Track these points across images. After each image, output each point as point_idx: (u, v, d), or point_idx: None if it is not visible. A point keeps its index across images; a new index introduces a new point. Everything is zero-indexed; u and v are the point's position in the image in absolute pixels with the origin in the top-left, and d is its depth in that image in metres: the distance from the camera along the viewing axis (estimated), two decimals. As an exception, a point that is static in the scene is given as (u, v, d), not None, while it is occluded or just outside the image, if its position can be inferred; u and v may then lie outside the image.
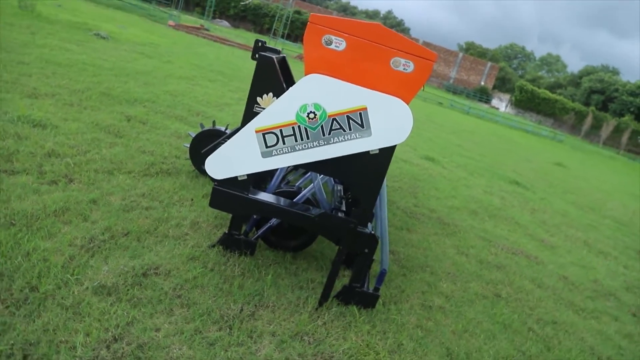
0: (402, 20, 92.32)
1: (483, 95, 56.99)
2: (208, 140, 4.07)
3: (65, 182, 3.27)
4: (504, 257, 4.62)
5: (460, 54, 62.36)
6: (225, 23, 41.93)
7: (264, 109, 3.52)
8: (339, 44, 2.36)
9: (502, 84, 68.64)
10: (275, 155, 2.42)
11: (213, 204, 2.62)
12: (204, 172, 4.17)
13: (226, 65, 13.16)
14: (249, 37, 31.95)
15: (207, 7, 31.47)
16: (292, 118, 2.37)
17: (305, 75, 2.43)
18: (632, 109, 54.39)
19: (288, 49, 30.07)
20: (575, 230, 6.76)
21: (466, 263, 4.16)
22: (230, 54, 17.88)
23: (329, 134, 2.39)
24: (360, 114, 2.37)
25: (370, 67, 2.40)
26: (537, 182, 10.08)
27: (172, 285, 2.52)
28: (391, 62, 2.38)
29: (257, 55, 3.98)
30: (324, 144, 2.41)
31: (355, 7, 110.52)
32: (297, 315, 2.59)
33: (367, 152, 2.43)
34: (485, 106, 49.86)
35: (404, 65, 2.39)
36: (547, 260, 4.92)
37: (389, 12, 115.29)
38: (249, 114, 3.50)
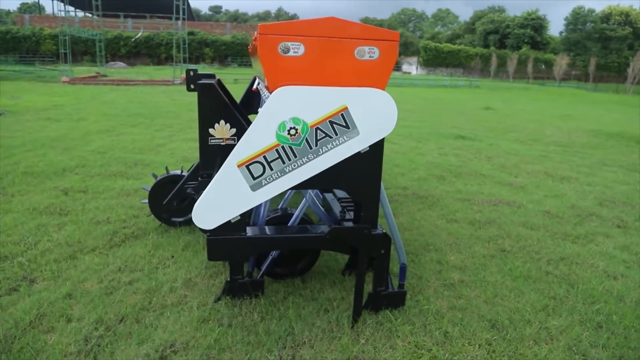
0: (295, 14, 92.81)
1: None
2: (167, 189, 3.76)
3: (27, 285, 2.84)
4: (488, 211, 4.68)
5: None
6: (121, 64, 39.99)
7: (221, 139, 3.30)
8: (296, 49, 2.18)
9: (407, 49, 71.18)
10: (265, 184, 2.21)
11: (212, 256, 2.36)
12: (172, 223, 3.84)
13: (141, 106, 12.47)
14: (150, 72, 30.70)
15: (97, 54, 29.73)
16: (272, 140, 2.17)
17: (271, 91, 2.23)
18: (526, 40, 58.51)
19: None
20: (531, 165, 7.05)
21: (460, 229, 4.15)
22: (139, 93, 17.02)
23: (316, 145, 2.21)
24: (342, 115, 2.21)
25: (335, 64, 2.24)
26: (478, 131, 10.46)
27: (197, 358, 2.24)
28: (355, 52, 2.24)
29: (192, 86, 3.73)
30: (314, 158, 2.23)
31: (245, 14, 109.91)
32: (337, 342, 2.40)
33: (359, 153, 2.28)
34: (398, 73, 51.51)
35: (369, 52, 2.25)
36: (524, 202, 5.05)
37: (280, 9, 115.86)
38: (206, 149, 3.25)
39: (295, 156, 2.20)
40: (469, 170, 6.46)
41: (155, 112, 11.22)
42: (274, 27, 2.15)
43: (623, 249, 3.84)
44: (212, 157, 3.35)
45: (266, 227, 2.61)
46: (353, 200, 2.46)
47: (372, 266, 2.67)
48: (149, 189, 3.81)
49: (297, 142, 2.19)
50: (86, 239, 3.55)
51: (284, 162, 2.20)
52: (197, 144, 7.63)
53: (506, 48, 58.67)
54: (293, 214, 2.88)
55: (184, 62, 28.94)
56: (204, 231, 2.35)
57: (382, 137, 2.29)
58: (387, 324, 2.58)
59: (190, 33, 44.35)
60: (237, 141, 3.31)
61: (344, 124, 2.22)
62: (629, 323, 2.68)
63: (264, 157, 2.17)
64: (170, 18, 31.17)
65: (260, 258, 2.88)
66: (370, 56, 2.26)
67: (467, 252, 3.62)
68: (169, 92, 17.31)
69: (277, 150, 2.18)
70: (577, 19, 57.40)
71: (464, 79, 42.70)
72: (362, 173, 2.34)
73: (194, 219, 2.22)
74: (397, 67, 59.09)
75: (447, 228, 4.16)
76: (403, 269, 2.70)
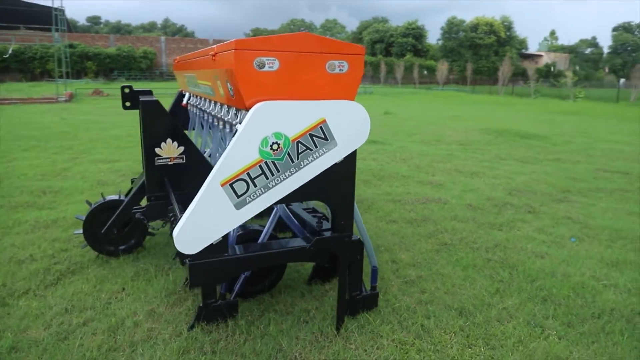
0: (182, 25, 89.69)
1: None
2: (105, 216, 3.46)
3: (-44, 344, 2.42)
4: (420, 209, 5.02)
5: (254, 42, 63.90)
6: (-15, 80, 35.33)
7: (168, 159, 3.15)
8: (272, 64, 2.18)
9: (300, 59, 72.60)
10: (250, 202, 2.16)
11: (194, 282, 2.24)
12: (113, 253, 3.53)
13: (28, 127, 11.17)
14: (24, 89, 27.55)
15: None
16: (256, 156, 2.13)
17: (248, 106, 2.19)
18: (408, 48, 63.26)
19: (79, 87, 26.89)
20: (442, 163, 7.68)
21: (401, 228, 4.39)
22: (20, 112, 15.19)
23: (297, 159, 2.23)
24: (321, 127, 2.25)
25: (308, 78, 2.27)
26: (386, 135, 11.10)
27: (190, 392, 2.11)
28: (327, 66, 2.30)
29: (128, 103, 3.49)
30: (296, 171, 2.23)
31: (129, 25, 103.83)
32: (327, 351, 2.42)
33: (335, 163, 2.34)
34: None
35: (339, 66, 2.33)
36: (448, 197, 5.50)
37: (166, 20, 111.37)
38: (153, 171, 3.06)
39: (278, 171, 2.19)
40: (390, 173, 6.84)
41: (48, 134, 10.13)
42: (250, 42, 2.12)
43: (539, 231, 4.38)
44: (160, 178, 3.18)
45: (253, 245, 2.55)
46: (331, 209, 2.50)
47: (347, 272, 2.73)
48: (83, 218, 3.46)
49: (279, 157, 2.18)
50: (13, 282, 3.12)
51: (267, 178, 2.18)
52: (109, 166, 7.09)
53: (392, 56, 62.87)
54: (255, 230, 2.84)
55: (66, 77, 26.51)
56: (183, 257, 2.22)
57: (357, 147, 2.37)
58: (368, 326, 2.66)
59: (70, 46, 40.67)
60: (186, 160, 3.20)
61: (323, 136, 2.26)
62: (566, 293, 3.07)
63: (248, 174, 2.13)
64: (48, 29, 28.27)
65: (232, 278, 2.79)
66: (340, 69, 2.33)
67: (414, 249, 3.86)
68: (56, 111, 15.72)
69: (260, 166, 2.15)
70: (451, 28, 63.72)
71: (359, 87, 44.59)
72: (338, 182, 2.40)
73: (176, 245, 2.09)
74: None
75: (389, 229, 4.37)
76: (375, 272, 2.81)
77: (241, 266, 2.38)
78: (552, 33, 77.82)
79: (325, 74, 2.31)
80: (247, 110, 2.24)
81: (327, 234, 2.56)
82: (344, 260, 2.53)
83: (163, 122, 3.17)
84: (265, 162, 2.16)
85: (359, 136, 2.37)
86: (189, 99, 3.96)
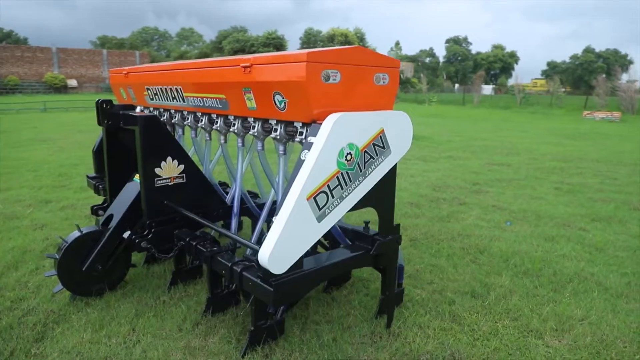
0: (11, 30, 77.62)
1: (148, 85, 56.17)
2: (82, 252, 3.01)
3: None
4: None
5: (104, 51, 58.57)
6: None
7: (168, 179, 2.94)
8: (335, 76, 2.22)
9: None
10: (328, 213, 2.16)
11: (278, 301, 2.15)
12: (94, 292, 3.09)
13: None
14: None
15: None
16: (334, 168, 2.14)
17: (313, 119, 2.20)
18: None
19: None
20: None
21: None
22: None
23: (364, 167, 2.30)
24: (381, 137, 2.36)
25: (361, 90, 2.37)
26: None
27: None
28: (374, 79, 2.42)
29: (108, 120, 3.10)
30: (363, 180, 2.30)
31: None
32: (390, 348, 2.52)
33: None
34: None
35: (382, 79, 2.47)
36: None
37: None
38: (152, 193, 2.81)
39: (350, 181, 2.24)
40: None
41: None
42: (319, 54, 2.14)
43: (480, 219, 5.03)
44: (160, 201, 2.93)
45: (323, 254, 2.53)
46: (380, 214, 2.61)
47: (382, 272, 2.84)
48: (58, 256, 2.96)
49: (352, 167, 2.23)
50: (-17, 345, 2.55)
51: (342, 189, 2.21)
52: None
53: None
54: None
55: None
56: (268, 278, 2.10)
57: (403, 154, 2.53)
58: (407, 320, 2.82)
59: None
60: (187, 179, 3.00)
61: (382, 145, 2.38)
62: (538, 267, 3.64)
63: (328, 185, 2.14)
64: None
65: None
66: (383, 82, 2.48)
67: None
68: None
69: (337, 177, 2.17)
70: (310, 38, 66.68)
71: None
72: (387, 188, 2.53)
73: (269, 266, 1.99)
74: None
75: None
76: (401, 269, 2.98)
77: (315, 279, 2.35)
78: (397, 44, 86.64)
79: (373, 86, 2.43)
80: (310, 123, 2.25)
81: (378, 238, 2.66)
82: (394, 260, 2.66)
83: (163, 139, 2.92)
84: (341, 173, 2.19)
85: (406, 143, 2.53)
86: (160, 115, 3.65)
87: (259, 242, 2.17)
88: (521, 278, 3.45)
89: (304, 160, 2.11)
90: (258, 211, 3.41)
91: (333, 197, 2.18)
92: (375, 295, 3.14)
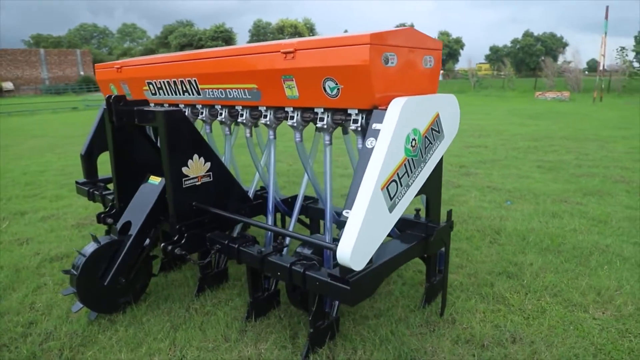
0: None
1: (91, 85, 53.42)
2: (102, 265, 2.76)
3: None
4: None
5: (42, 50, 54.98)
6: None
7: (196, 179, 2.75)
8: (393, 59, 2.11)
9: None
10: (397, 202, 2.06)
11: (355, 299, 2.04)
12: (118, 307, 2.84)
13: None
14: None
15: None
16: (402, 155, 2.04)
17: (374, 105, 2.09)
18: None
19: None
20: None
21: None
22: None
23: (425, 153, 2.21)
24: (437, 121, 2.28)
25: (412, 73, 2.28)
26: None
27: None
28: (422, 61, 2.34)
29: (120, 118, 2.82)
30: (424, 166, 2.22)
31: None
32: (450, 335, 2.47)
33: (435, 154, 2.40)
34: (100, 94, 47.07)
35: (429, 61, 2.39)
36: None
37: None
38: (180, 195, 2.61)
39: (415, 167, 2.15)
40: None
41: None
42: (381, 36, 2.02)
43: (482, 200, 5.10)
44: (189, 203, 2.73)
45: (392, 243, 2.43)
46: (430, 200, 2.54)
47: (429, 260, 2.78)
48: (77, 272, 2.68)
49: (415, 153, 2.14)
50: (8, 377, 2.28)
51: (408, 176, 2.12)
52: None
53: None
54: None
55: None
56: (344, 275, 1.98)
57: (453, 138, 2.47)
58: (454, 305, 2.79)
59: None
60: (213, 177, 2.80)
61: (437, 130, 2.30)
62: (556, 243, 3.72)
63: (397, 174, 2.04)
64: None
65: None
66: (430, 64, 2.40)
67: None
68: None
69: (405, 164, 2.08)
70: (259, 30, 65.67)
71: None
72: (436, 173, 2.46)
73: (352, 264, 1.86)
74: (97, 88, 53.93)
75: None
76: (442, 255, 2.94)
77: (385, 272, 2.25)
78: (345, 32, 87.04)
79: (422, 69, 2.35)
80: (370, 109, 2.13)
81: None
82: (447, 246, 2.61)
83: (190, 136, 2.70)
84: (408, 160, 2.10)
85: (455, 127, 2.47)
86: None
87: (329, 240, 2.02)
88: (545, 255, 3.51)
89: (370, 149, 2.00)
90: (284, 208, 3.26)
91: (401, 185, 2.09)
92: (413, 284, 3.09)
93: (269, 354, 2.39)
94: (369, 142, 2.02)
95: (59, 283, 3.30)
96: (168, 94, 3.28)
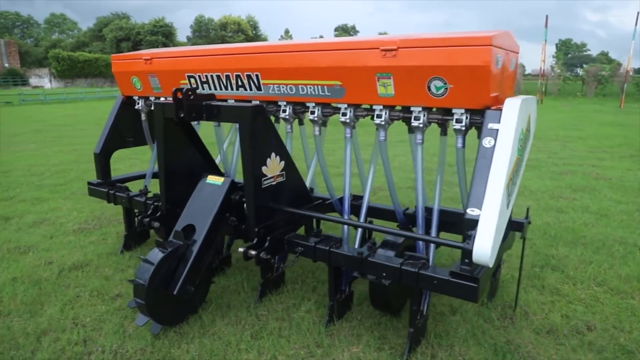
0: None
1: (17, 78, 49.29)
2: (168, 273, 2.60)
3: None
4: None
5: (-43, 39, 49.85)
6: None
7: (272, 179, 2.68)
8: (499, 61, 2.17)
9: (24, 60, 60.68)
10: (509, 200, 2.12)
11: (479, 295, 2.06)
12: (186, 318, 2.69)
13: None
14: None
15: None
16: (516, 154, 2.10)
17: (486, 105, 2.14)
18: (159, 46, 60.45)
19: None
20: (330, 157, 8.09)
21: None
22: None
23: (523, 152, 2.29)
24: (529, 122, 2.36)
25: (506, 75, 2.35)
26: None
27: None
28: (510, 63, 2.42)
29: (188, 113, 2.64)
30: (521, 164, 2.30)
31: None
32: (530, 327, 2.58)
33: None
34: (28, 88, 43.55)
35: (514, 63, 2.47)
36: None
37: None
38: (261, 196, 2.52)
39: (519, 166, 2.22)
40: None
41: None
42: (498, 38, 2.07)
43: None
44: (267, 204, 2.64)
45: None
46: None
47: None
48: (146, 282, 2.48)
49: (521, 153, 2.21)
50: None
51: (516, 175, 2.18)
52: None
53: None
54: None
55: None
56: (472, 273, 2.01)
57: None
58: (521, 297, 2.91)
59: None
60: (286, 177, 2.73)
61: (529, 130, 2.39)
62: (576, 235, 3.97)
63: (512, 173, 2.09)
64: None
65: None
66: (513, 67, 2.48)
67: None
68: None
69: (517, 163, 2.14)
70: (201, 26, 63.84)
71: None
72: (518, 172, 2.56)
73: (490, 262, 1.89)
74: (23, 81, 49.85)
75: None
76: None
77: (494, 266, 2.29)
78: (287, 32, 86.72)
79: (509, 71, 2.43)
80: (482, 109, 2.18)
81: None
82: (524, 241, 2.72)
83: (269, 132, 2.60)
84: (517, 159, 2.16)
85: (534, 128, 2.57)
86: None
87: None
88: (574, 247, 3.74)
89: (489, 148, 2.04)
90: (341, 207, 3.22)
91: (514, 184, 2.15)
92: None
93: (368, 356, 2.36)
94: (487, 142, 2.06)
95: (95, 295, 3.04)
96: (215, 89, 3.12)
